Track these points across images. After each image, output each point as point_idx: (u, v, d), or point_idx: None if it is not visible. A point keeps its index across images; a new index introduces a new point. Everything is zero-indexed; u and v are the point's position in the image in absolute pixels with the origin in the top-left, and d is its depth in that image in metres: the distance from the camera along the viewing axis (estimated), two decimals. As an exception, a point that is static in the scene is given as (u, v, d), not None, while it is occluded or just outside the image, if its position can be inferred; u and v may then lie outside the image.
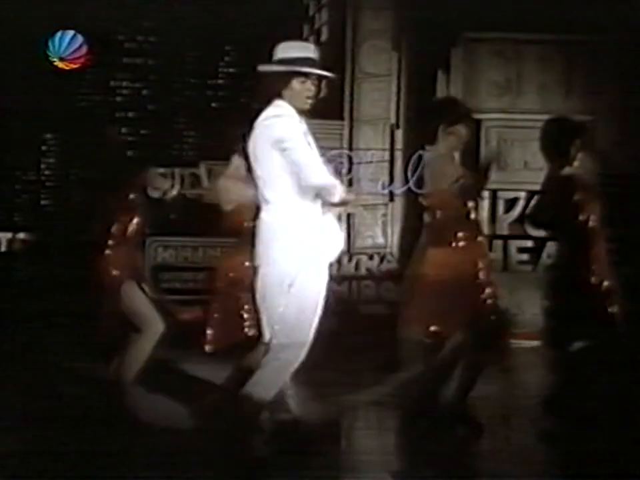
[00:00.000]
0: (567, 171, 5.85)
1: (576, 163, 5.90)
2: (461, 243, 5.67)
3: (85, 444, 5.12)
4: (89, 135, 10.49)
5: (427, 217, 6.02)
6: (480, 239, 5.85)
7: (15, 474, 4.63)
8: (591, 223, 5.79)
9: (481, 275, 5.67)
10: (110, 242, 6.18)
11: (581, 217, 5.78)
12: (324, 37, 10.31)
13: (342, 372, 7.38)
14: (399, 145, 9.90)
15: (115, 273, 6.11)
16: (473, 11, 9.21)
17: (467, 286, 5.61)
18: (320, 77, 4.91)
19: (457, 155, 5.84)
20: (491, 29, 9.77)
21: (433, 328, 5.67)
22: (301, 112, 4.82)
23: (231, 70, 10.63)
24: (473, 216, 5.75)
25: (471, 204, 5.74)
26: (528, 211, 6.43)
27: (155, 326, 6.08)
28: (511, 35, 9.88)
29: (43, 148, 10.70)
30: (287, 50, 4.85)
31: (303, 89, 4.80)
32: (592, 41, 9.78)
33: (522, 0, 9.14)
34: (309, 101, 4.84)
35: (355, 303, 9.59)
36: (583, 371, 5.69)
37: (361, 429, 6.06)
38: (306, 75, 4.81)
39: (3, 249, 10.35)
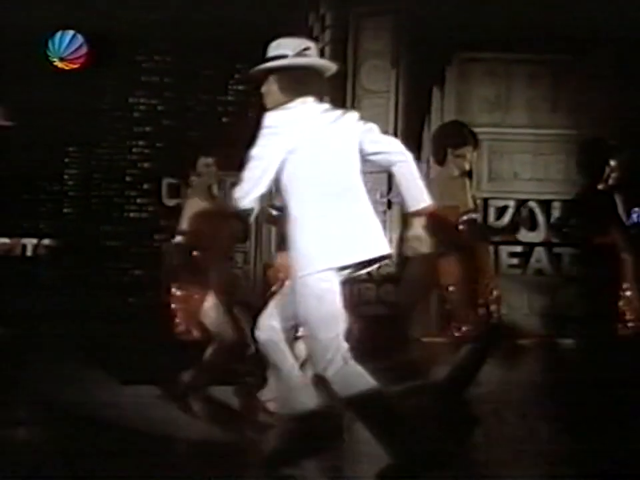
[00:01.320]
0: (599, 186, 6.09)
1: (610, 181, 6.15)
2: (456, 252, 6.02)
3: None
4: (108, 148, 10.92)
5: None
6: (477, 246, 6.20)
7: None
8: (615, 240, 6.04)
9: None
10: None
11: (605, 233, 6.05)
12: (327, 56, 10.55)
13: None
14: (396, 156, 10.23)
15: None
16: (466, 33, 9.51)
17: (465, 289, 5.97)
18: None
19: (467, 180, 6.07)
20: (482, 50, 10.10)
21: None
22: None
23: (240, 87, 10.94)
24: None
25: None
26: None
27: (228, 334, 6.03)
28: (501, 55, 10.19)
29: (66, 160, 10.96)
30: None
31: None
32: (576, 60, 10.12)
33: (512, 23, 9.45)
34: None
35: (355, 304, 9.95)
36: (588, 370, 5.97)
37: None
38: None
39: (29, 253, 10.65)
